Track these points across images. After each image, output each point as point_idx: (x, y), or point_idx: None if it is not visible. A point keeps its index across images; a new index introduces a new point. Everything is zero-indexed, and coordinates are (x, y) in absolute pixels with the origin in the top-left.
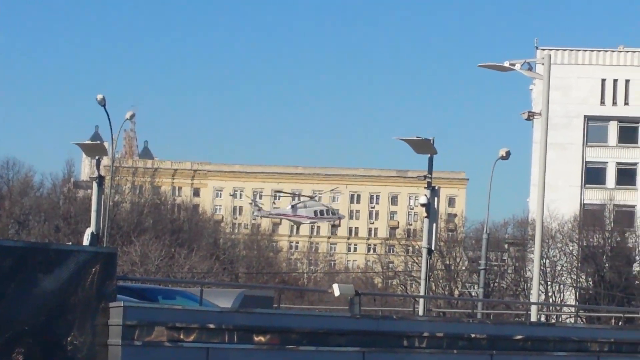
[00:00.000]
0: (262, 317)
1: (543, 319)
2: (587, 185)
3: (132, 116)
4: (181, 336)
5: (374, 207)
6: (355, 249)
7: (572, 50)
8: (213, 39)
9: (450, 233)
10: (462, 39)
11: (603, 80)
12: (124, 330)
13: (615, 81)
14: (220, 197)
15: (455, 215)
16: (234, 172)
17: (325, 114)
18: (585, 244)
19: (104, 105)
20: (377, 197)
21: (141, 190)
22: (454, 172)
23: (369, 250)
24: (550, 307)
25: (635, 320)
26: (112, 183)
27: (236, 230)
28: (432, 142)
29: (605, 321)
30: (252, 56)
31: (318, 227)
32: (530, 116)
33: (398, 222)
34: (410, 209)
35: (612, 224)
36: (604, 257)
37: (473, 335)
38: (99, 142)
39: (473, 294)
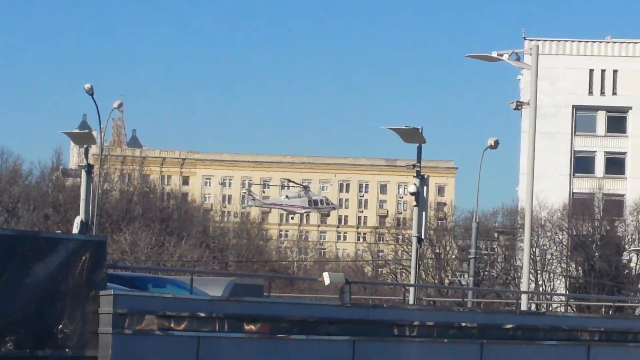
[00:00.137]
0: (253, 305)
1: (533, 307)
2: (576, 175)
3: (120, 105)
4: (172, 325)
5: (363, 196)
6: (345, 238)
7: (559, 41)
8: (201, 28)
9: (440, 222)
10: (450, 30)
11: (591, 71)
12: (115, 319)
13: (603, 71)
14: (209, 185)
15: (445, 204)
16: (222, 160)
17: (314, 103)
18: (574, 233)
19: (91, 95)
20: (366, 186)
21: (130, 179)
22: (443, 161)
23: (358, 238)
24: (541, 296)
25: (625, 309)
26: (100, 171)
27: (225, 219)
28: (420, 131)
29: (595, 310)
30: (241, 46)
31: (307, 215)
32: (519, 106)
33: (387, 211)
34: (400, 197)
35: (601, 213)
36: (594, 246)
37: (463, 324)
38: (87, 130)
39: (463, 282)
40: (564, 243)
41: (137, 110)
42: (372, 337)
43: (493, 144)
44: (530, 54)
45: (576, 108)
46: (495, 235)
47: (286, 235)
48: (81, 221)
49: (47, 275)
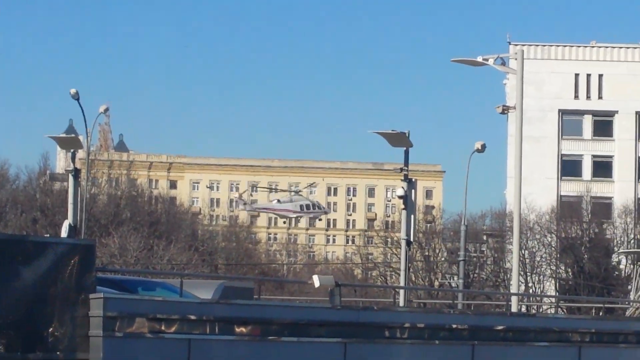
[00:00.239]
0: (243, 308)
1: (523, 309)
2: (563, 178)
3: (106, 110)
4: (162, 327)
5: (351, 200)
6: (334, 241)
7: (545, 45)
8: (187, 32)
9: (428, 225)
10: (436, 34)
11: (576, 75)
12: (105, 322)
13: (588, 76)
14: (197, 189)
15: (433, 207)
16: (209, 164)
17: (301, 107)
18: (563, 235)
19: (77, 99)
20: (354, 189)
21: (117, 183)
22: (430, 165)
23: (347, 241)
24: (531, 298)
25: (615, 310)
26: (88, 175)
27: (214, 222)
28: (407, 135)
29: (585, 311)
30: (227, 50)
31: (297, 219)
32: (505, 110)
33: (376, 214)
34: (388, 200)
35: (589, 216)
36: (583, 248)
37: (454, 326)
38: (73, 135)
39: (453, 284)
40: (553, 245)
41: (124, 115)
42: (363, 339)
43: (480, 148)
44: (516, 59)
45: (562, 112)
46: (484, 237)
47: (275, 239)
48: (70, 225)
49: (37, 278)
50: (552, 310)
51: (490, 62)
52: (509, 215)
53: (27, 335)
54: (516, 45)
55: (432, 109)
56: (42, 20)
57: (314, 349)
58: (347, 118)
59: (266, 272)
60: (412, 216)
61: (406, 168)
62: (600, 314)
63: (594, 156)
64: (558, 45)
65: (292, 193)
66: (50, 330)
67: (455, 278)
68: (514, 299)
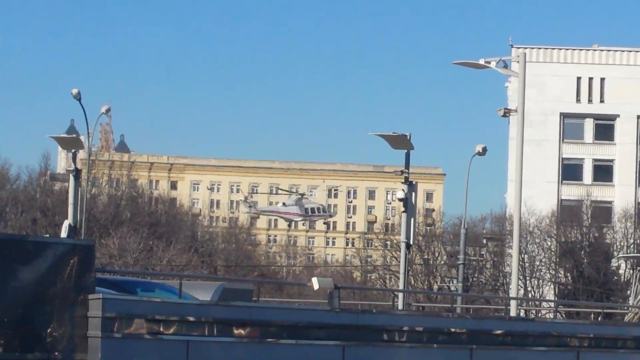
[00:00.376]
0: (242, 310)
1: (522, 313)
2: (564, 182)
3: (108, 110)
4: (161, 329)
5: (351, 202)
6: (333, 243)
7: (547, 48)
8: (189, 33)
9: (428, 227)
10: (437, 36)
11: (578, 78)
12: (103, 323)
13: (590, 79)
14: (197, 190)
15: (433, 210)
16: (210, 166)
17: (302, 108)
18: (563, 240)
19: (79, 100)
20: (355, 191)
21: (118, 184)
22: (431, 168)
23: (347, 244)
24: (530, 302)
25: (614, 315)
26: (88, 176)
27: (214, 224)
28: (408, 137)
29: (584, 316)
30: (228, 50)
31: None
32: (506, 113)
33: (376, 217)
34: (388, 203)
35: (589, 220)
36: (582, 252)
37: (453, 330)
38: (74, 135)
39: (452, 288)
40: (553, 249)
41: (125, 116)
42: (362, 342)
43: (481, 151)
44: (518, 62)
45: (564, 115)
46: (484, 241)
47: (275, 241)
48: (69, 225)
49: (36, 278)
50: (551, 315)
51: (492, 64)
52: (509, 218)
53: (25, 336)
54: (518, 48)
55: (434, 112)
56: (42, 20)
57: (312, 352)
58: (348, 120)
59: (265, 274)
60: (412, 219)
61: (407, 170)
62: (599, 318)
63: (595, 160)
64: (560, 49)
65: (298, 196)
66: (48, 330)
67: (455, 281)
68: (513, 303)
